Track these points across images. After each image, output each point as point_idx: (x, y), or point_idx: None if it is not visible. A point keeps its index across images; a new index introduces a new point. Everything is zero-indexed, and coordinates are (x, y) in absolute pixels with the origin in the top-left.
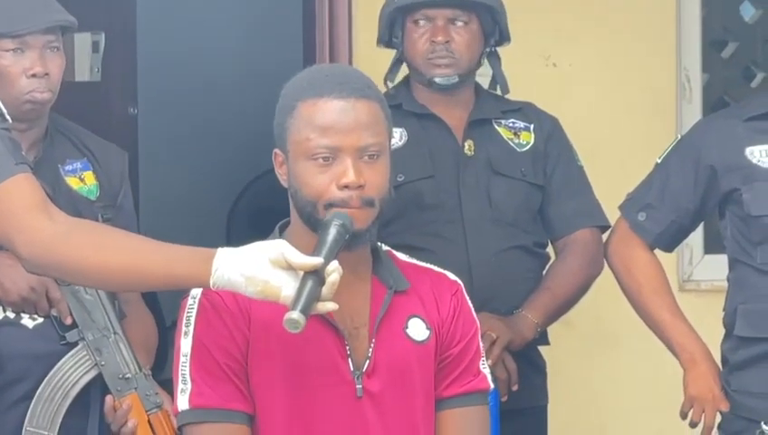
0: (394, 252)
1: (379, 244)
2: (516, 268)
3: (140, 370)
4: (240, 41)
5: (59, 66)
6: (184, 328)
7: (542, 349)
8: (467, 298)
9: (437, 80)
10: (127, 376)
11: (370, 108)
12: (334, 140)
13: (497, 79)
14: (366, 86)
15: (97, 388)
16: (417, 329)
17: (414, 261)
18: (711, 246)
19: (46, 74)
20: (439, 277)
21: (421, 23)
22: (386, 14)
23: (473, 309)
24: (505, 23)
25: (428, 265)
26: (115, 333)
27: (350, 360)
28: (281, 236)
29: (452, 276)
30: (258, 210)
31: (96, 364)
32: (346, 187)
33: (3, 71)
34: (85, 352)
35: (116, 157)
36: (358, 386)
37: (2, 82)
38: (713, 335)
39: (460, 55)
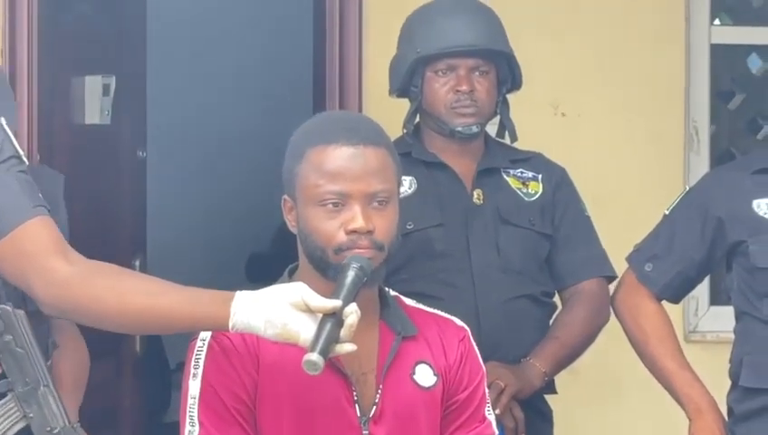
0: (402, 297)
1: (387, 289)
2: (524, 317)
3: (69, 422)
4: (251, 86)
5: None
6: (192, 370)
7: (548, 397)
8: (474, 344)
9: (460, 129)
10: (55, 430)
11: (379, 154)
12: (343, 186)
13: (506, 125)
14: (375, 133)
15: None
16: (425, 375)
17: (421, 306)
18: (716, 298)
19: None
20: (446, 323)
21: (442, 72)
22: (406, 64)
23: (479, 355)
24: (520, 70)
25: (435, 311)
26: (45, 385)
27: (357, 406)
28: (290, 279)
29: (459, 322)
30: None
31: (24, 416)
32: (354, 232)
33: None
34: (14, 404)
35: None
36: (364, 432)
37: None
38: (719, 387)
39: (482, 104)
